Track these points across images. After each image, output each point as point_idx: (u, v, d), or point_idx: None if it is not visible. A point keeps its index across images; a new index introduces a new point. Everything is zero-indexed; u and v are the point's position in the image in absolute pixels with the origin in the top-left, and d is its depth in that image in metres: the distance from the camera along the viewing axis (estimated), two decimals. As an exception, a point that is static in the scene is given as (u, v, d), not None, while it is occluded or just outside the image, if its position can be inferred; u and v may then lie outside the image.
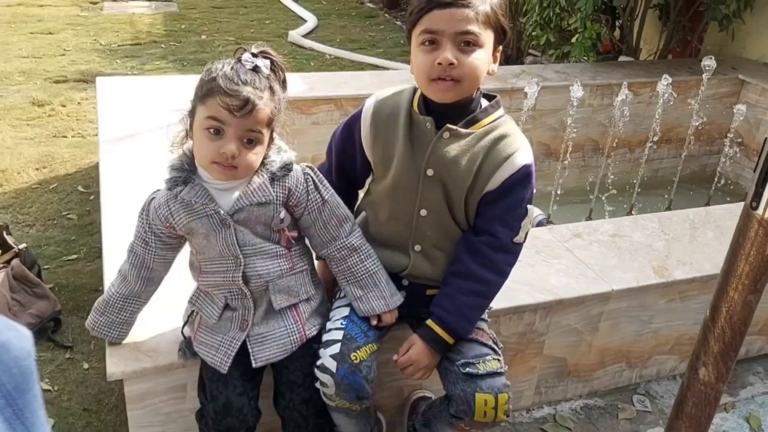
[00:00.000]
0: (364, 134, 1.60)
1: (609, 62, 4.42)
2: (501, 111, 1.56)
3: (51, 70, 4.96)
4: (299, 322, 1.56)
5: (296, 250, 1.57)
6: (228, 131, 1.39)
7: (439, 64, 1.39)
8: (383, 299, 1.59)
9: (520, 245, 1.58)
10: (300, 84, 3.53)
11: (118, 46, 5.65)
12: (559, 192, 3.60)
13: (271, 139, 1.48)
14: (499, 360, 1.57)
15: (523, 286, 1.98)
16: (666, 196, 3.80)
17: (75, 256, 2.86)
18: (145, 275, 1.59)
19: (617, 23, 4.68)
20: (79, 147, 3.76)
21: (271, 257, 1.51)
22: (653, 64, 4.40)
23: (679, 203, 3.87)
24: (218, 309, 1.54)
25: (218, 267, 1.51)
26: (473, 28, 1.39)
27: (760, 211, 1.17)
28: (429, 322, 1.57)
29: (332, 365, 1.50)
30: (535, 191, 1.56)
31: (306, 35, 6.27)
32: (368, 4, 7.91)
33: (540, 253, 2.17)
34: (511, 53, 6.08)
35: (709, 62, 3.51)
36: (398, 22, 7.24)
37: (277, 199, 1.49)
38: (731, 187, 4.31)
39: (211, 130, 1.39)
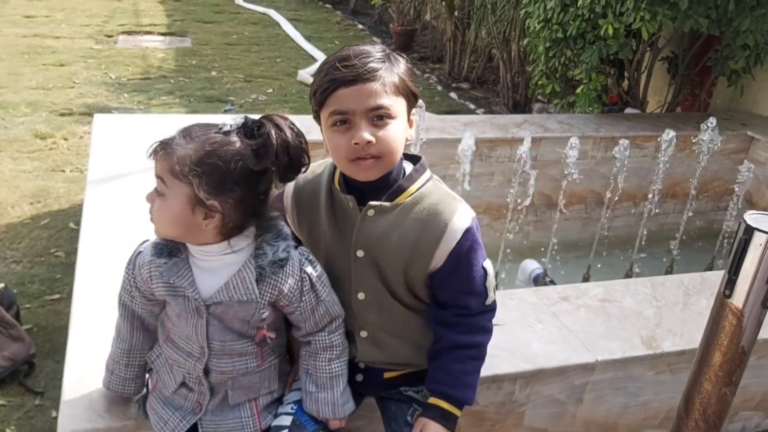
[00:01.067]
0: (290, 219, 1.54)
1: (614, 114, 4.36)
2: (427, 174, 1.46)
3: (58, 102, 5.00)
4: (255, 415, 1.46)
5: (267, 349, 1.46)
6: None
7: (356, 144, 1.32)
8: (332, 405, 1.47)
9: (494, 302, 1.51)
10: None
11: (128, 80, 5.70)
12: (556, 244, 3.52)
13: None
14: None
15: (502, 353, 1.90)
16: (670, 251, 3.70)
17: (58, 296, 2.82)
18: (138, 325, 1.50)
19: (624, 75, 4.64)
20: (76, 182, 3.75)
21: (239, 355, 1.41)
22: (659, 118, 4.34)
23: (683, 260, 3.78)
24: (174, 383, 1.45)
25: (183, 346, 1.42)
26: (384, 101, 1.32)
27: (734, 300, 1.10)
28: (433, 400, 1.49)
29: None
30: (482, 244, 1.44)
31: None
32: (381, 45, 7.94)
33: (525, 317, 2.09)
34: (520, 99, 6.07)
35: (712, 123, 3.44)
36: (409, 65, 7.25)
37: (262, 299, 1.37)
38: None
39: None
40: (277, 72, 6.33)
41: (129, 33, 7.31)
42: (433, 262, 1.40)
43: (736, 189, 3.55)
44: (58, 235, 3.26)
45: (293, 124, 1.34)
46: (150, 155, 1.31)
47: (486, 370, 1.81)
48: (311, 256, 1.44)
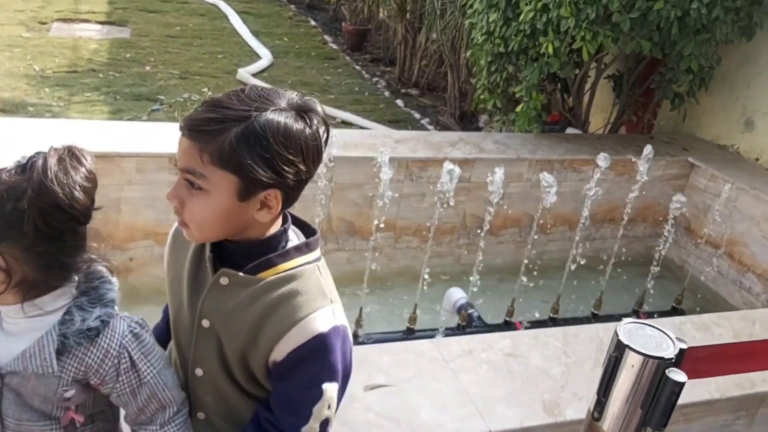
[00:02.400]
0: (165, 263, 1.32)
1: (554, 134, 4.21)
2: (311, 256, 1.23)
3: (-30, 95, 4.66)
4: None
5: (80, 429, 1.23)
6: None
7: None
8: None
9: None
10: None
11: (53, 72, 5.35)
12: (483, 269, 3.34)
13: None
14: None
15: (388, 422, 1.70)
16: (601, 278, 3.56)
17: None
18: None
19: (567, 93, 4.50)
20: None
21: None
22: (600, 139, 4.21)
23: (615, 287, 3.65)
24: None
25: None
26: (196, 167, 1.09)
27: (604, 425, 0.92)
28: None
29: None
30: (337, 363, 1.19)
31: (257, 74, 6.03)
32: (331, 45, 7.70)
33: (420, 375, 1.90)
34: (467, 109, 5.89)
35: (646, 151, 3.30)
36: (357, 67, 7.03)
37: (64, 374, 1.14)
38: (674, 272, 4.11)
39: None
40: (217, 69, 6.04)
41: (65, 20, 6.91)
42: (273, 354, 1.17)
43: (670, 218, 3.42)
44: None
45: (82, 160, 1.12)
46: None
47: (364, 444, 1.63)
48: (139, 329, 1.21)
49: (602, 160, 3.27)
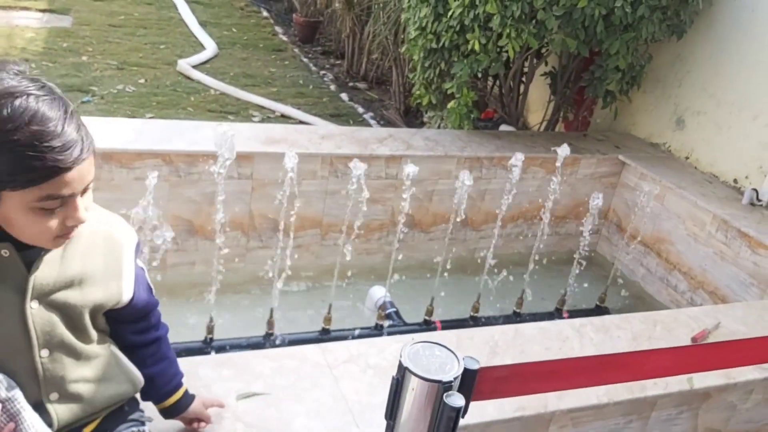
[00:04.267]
0: None
1: (486, 132, 4.19)
2: None
3: None
4: None
5: None
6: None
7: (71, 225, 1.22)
8: None
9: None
10: (127, 132, 3.18)
11: (-18, 61, 5.17)
12: (409, 266, 3.31)
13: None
14: None
15: (253, 430, 1.65)
16: (525, 276, 3.54)
17: None
18: None
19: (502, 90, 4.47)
20: None
21: None
22: (533, 137, 4.19)
23: (540, 284, 3.63)
24: None
25: None
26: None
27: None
28: (175, 396, 1.55)
29: None
30: None
31: (199, 65, 5.91)
32: (281, 37, 7.59)
33: (300, 382, 1.85)
34: (412, 104, 5.84)
35: (562, 151, 3.29)
36: (305, 59, 6.94)
37: None
38: (607, 269, 4.12)
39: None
40: (157, 60, 5.90)
41: (3, 8, 6.70)
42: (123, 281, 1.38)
43: (590, 217, 3.41)
44: None
45: None
46: None
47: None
48: None
49: (516, 158, 3.22)
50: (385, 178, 3.67)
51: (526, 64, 4.26)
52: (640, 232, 3.93)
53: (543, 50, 4.13)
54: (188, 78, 5.60)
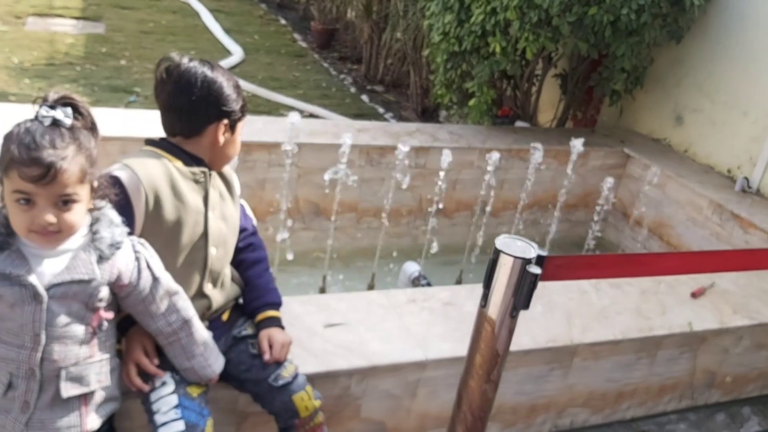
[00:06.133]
0: (139, 206, 1.67)
1: (504, 126, 4.60)
2: None
3: (-47, 84, 4.87)
4: (84, 415, 1.52)
5: (101, 337, 1.54)
6: (39, 201, 1.35)
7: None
8: (209, 367, 1.69)
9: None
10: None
11: (32, 65, 5.58)
12: (435, 249, 3.70)
13: (94, 190, 1.46)
14: (290, 362, 1.81)
15: (340, 349, 2.05)
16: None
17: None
18: None
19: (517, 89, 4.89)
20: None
21: (72, 342, 1.47)
22: (546, 132, 4.61)
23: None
24: (2, 386, 1.46)
25: (13, 340, 1.43)
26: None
27: (488, 310, 1.27)
28: (262, 315, 1.87)
29: None
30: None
31: (229, 70, 6.30)
32: (300, 43, 8.02)
33: (369, 317, 2.24)
34: (429, 105, 6.27)
35: (576, 143, 3.70)
36: (325, 64, 7.36)
37: (102, 279, 1.47)
38: (611, 251, 4.52)
39: (21, 201, 1.35)
40: (190, 64, 6.30)
41: (39, 15, 7.12)
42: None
43: (601, 202, 3.82)
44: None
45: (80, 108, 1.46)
46: (46, 182, 1.34)
47: (322, 365, 1.97)
48: (142, 240, 1.59)
49: (535, 149, 3.64)
50: (414, 167, 4.07)
51: (539, 66, 4.68)
52: (644, 217, 4.33)
53: (553, 54, 4.56)
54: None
